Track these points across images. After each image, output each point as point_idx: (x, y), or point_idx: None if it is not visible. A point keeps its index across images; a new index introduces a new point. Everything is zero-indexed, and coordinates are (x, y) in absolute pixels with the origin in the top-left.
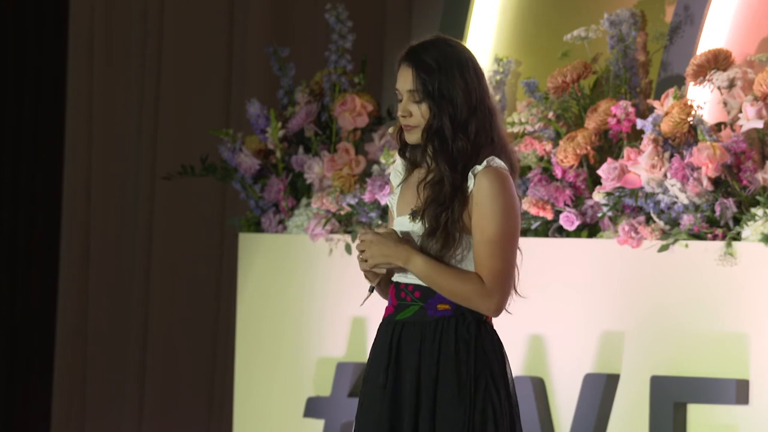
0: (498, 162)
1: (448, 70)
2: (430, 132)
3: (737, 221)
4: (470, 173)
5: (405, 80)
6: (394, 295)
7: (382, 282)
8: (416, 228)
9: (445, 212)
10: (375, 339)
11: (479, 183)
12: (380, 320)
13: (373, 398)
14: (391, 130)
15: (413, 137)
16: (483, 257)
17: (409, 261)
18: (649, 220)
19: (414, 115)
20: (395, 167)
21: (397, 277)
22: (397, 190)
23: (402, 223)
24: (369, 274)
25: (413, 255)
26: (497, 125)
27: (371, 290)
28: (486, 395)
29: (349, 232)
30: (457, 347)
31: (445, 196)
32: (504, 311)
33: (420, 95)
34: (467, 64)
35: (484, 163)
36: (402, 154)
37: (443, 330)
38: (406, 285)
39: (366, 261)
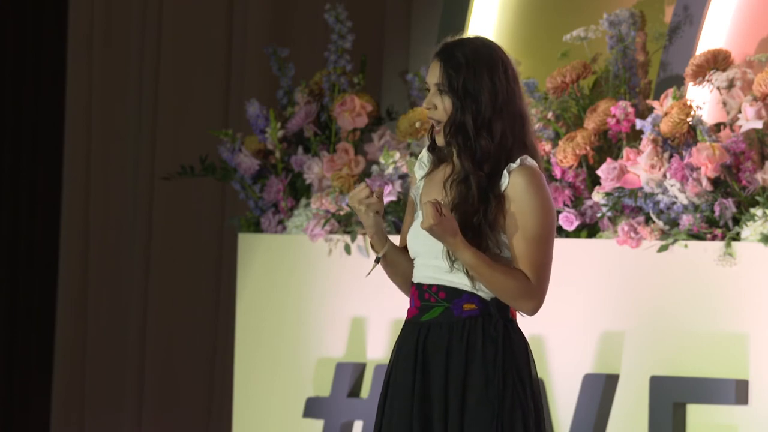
0: (531, 161)
1: (476, 68)
2: (453, 127)
3: (736, 221)
4: (504, 171)
5: (433, 73)
6: (417, 296)
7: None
8: None
9: (476, 214)
10: (399, 340)
11: (514, 181)
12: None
13: (401, 401)
14: (418, 124)
15: (440, 139)
16: (525, 254)
17: (459, 246)
18: (648, 220)
19: (438, 108)
20: (420, 158)
21: (420, 278)
22: (420, 183)
23: None
24: (362, 212)
25: (465, 243)
26: (528, 130)
27: (377, 261)
28: (514, 395)
29: (348, 233)
30: (484, 347)
31: (473, 197)
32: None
33: (445, 89)
34: (498, 65)
35: (518, 161)
36: (431, 149)
37: (471, 330)
38: (430, 286)
39: (431, 213)
